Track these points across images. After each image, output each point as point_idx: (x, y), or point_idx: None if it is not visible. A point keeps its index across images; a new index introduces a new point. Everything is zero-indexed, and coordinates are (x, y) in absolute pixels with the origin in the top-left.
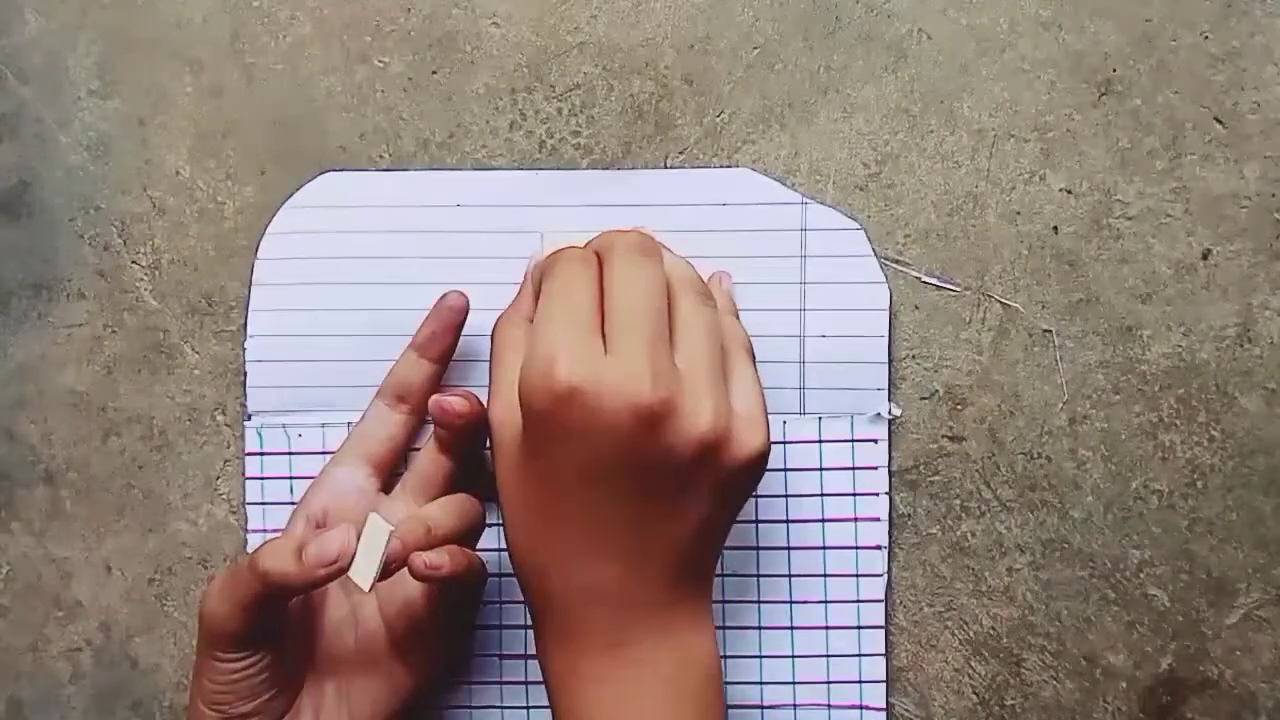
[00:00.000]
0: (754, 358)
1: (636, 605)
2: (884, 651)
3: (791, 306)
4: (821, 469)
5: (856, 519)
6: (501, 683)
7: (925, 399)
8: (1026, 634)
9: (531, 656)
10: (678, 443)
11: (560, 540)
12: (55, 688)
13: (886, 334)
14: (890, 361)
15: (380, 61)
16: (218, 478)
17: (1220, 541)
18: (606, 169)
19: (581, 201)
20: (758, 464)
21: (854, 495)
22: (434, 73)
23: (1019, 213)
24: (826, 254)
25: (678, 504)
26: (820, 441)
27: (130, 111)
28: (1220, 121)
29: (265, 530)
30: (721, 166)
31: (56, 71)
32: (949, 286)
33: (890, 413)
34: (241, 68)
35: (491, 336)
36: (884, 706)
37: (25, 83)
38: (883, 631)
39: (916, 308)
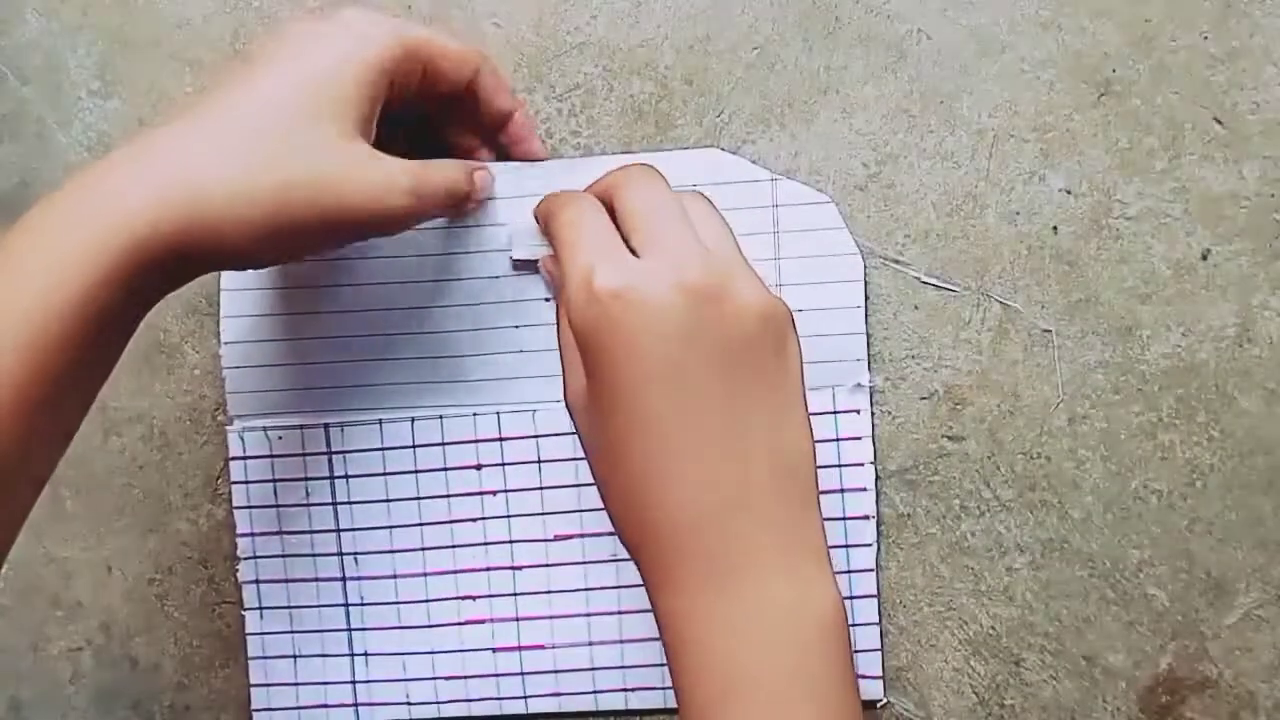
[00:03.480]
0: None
1: (743, 521)
2: (877, 620)
3: (766, 283)
4: None
5: (843, 490)
6: (498, 675)
7: (925, 399)
8: (1026, 634)
9: (527, 648)
10: (738, 317)
11: (653, 458)
12: (55, 687)
13: (862, 304)
14: (868, 333)
15: None
16: (218, 477)
17: (1220, 541)
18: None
19: (546, 190)
20: (793, 329)
21: (839, 467)
22: None
23: (1018, 213)
24: (798, 229)
25: (756, 387)
26: None
27: (131, 111)
28: (1220, 121)
29: (254, 534)
30: (685, 148)
31: (57, 71)
32: (948, 287)
33: (870, 382)
34: None
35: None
36: (880, 675)
37: (26, 83)
38: (875, 600)
39: (916, 308)
